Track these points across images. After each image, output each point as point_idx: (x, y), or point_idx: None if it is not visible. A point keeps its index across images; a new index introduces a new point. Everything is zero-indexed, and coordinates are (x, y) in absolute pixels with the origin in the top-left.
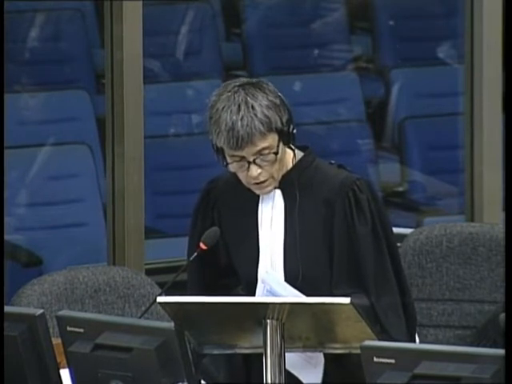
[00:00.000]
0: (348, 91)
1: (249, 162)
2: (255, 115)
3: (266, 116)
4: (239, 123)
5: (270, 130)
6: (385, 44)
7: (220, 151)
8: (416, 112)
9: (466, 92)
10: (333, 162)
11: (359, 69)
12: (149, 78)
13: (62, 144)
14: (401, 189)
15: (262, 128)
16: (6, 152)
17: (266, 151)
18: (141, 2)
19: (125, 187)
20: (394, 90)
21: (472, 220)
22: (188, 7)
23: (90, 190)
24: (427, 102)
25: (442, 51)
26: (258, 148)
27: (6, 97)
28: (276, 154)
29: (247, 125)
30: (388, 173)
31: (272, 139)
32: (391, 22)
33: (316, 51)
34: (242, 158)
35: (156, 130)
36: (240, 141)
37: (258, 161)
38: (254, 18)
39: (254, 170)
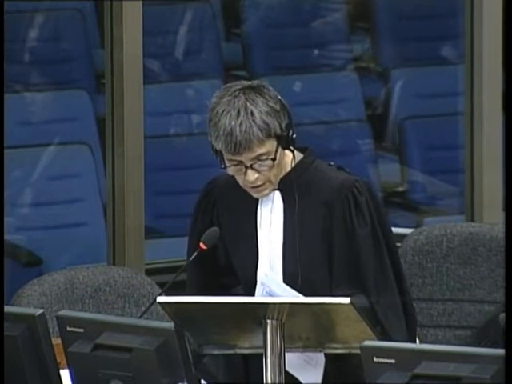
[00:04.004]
0: (348, 91)
1: (246, 167)
2: (254, 121)
3: (264, 122)
4: (237, 129)
5: (268, 136)
6: (385, 44)
7: (218, 154)
8: (416, 112)
9: (466, 92)
10: (332, 163)
11: (359, 69)
12: (149, 77)
13: (62, 144)
14: (401, 189)
15: (260, 134)
16: (6, 152)
17: (264, 157)
18: (141, 2)
19: (125, 187)
20: (394, 89)
21: (472, 220)
22: (188, 7)
23: (90, 190)
24: (427, 102)
25: (442, 51)
26: (256, 154)
27: (6, 97)
28: (274, 159)
29: (245, 131)
30: (388, 173)
31: (270, 145)
32: (391, 22)
33: (316, 51)
34: (240, 162)
35: (156, 129)
36: (238, 146)
37: (255, 166)
38: (253, 18)
39: (251, 175)
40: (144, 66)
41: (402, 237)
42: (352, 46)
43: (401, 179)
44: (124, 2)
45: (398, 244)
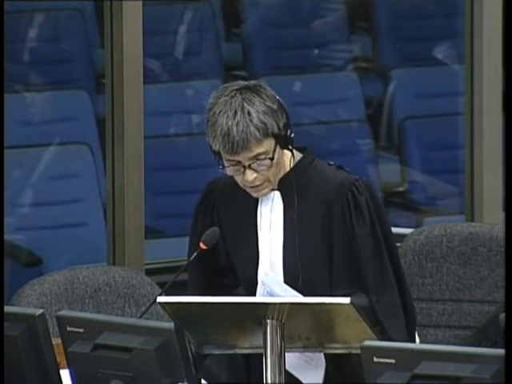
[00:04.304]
0: (348, 91)
1: (244, 167)
2: (251, 121)
3: (262, 122)
4: (235, 129)
5: (265, 135)
6: (385, 44)
7: (217, 154)
8: (416, 112)
9: (466, 92)
10: (332, 162)
11: (359, 69)
12: (149, 77)
13: (62, 144)
14: (401, 189)
15: (257, 134)
16: (6, 152)
17: (262, 156)
18: (141, 2)
19: (125, 187)
20: (394, 90)
21: (472, 220)
22: (188, 7)
23: (90, 190)
24: (427, 102)
25: (442, 51)
26: (254, 153)
27: (6, 97)
28: (272, 159)
29: (243, 130)
30: (388, 173)
31: (268, 145)
32: (391, 22)
33: (316, 51)
34: (238, 162)
35: (156, 129)
36: (235, 146)
37: (253, 165)
38: (253, 18)
39: (250, 175)
40: (144, 66)
41: (402, 237)
42: (352, 46)
43: (401, 179)
44: (124, 2)
45: (398, 244)
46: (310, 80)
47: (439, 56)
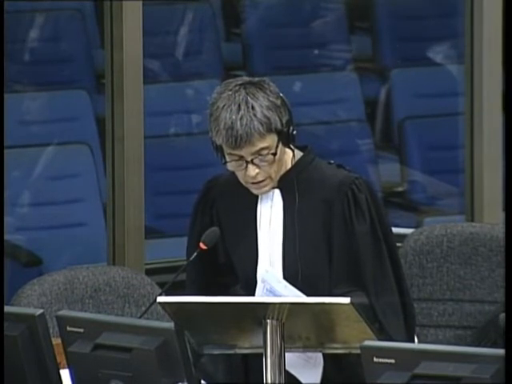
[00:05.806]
0: (348, 91)
1: (247, 162)
2: (255, 115)
3: (265, 117)
4: (238, 123)
5: (269, 130)
6: (385, 44)
7: (219, 149)
8: (416, 112)
9: (466, 92)
10: (332, 161)
11: (359, 69)
12: (149, 78)
13: (62, 144)
14: (401, 189)
15: (261, 128)
16: (6, 152)
17: (265, 152)
18: (141, 2)
19: (125, 187)
20: (394, 89)
21: (472, 220)
22: (188, 7)
23: (89, 190)
24: (427, 102)
25: (442, 51)
26: (257, 148)
27: (6, 97)
28: (274, 154)
29: (246, 124)
30: (388, 173)
31: (271, 140)
32: (391, 22)
33: (316, 51)
34: (241, 157)
35: (156, 129)
36: (239, 140)
37: (256, 161)
38: (253, 18)
39: (252, 170)
40: (144, 66)
41: (403, 237)
42: (352, 46)
43: (401, 179)
44: (124, 2)
45: (399, 244)
46: (310, 80)
47: (439, 56)
